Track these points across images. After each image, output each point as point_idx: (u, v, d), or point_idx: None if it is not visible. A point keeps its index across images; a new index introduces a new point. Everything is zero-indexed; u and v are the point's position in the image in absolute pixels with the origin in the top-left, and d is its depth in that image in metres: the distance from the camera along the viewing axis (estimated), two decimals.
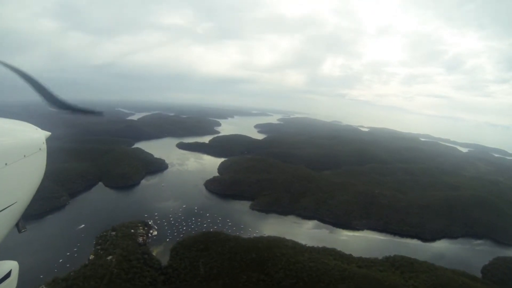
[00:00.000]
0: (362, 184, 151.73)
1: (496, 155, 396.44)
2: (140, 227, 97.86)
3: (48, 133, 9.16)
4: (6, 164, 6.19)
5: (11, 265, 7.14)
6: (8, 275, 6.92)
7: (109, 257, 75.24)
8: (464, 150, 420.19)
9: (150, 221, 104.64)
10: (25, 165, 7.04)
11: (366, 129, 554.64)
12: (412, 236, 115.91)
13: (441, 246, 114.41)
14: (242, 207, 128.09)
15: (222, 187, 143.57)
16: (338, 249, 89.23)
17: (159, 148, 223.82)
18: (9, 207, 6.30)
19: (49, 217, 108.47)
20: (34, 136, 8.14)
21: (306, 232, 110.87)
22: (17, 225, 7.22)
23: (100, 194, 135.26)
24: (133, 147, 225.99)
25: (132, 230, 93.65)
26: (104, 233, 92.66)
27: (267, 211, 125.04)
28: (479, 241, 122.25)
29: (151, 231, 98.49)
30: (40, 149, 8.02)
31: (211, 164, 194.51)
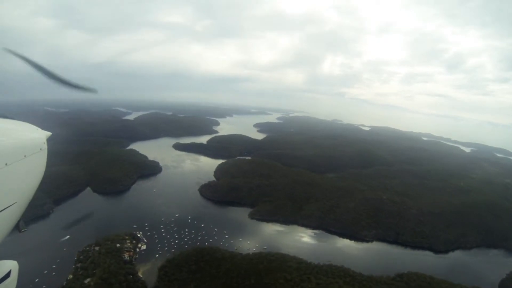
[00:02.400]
0: (369, 189, 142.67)
1: (499, 155, 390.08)
2: (128, 241, 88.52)
3: (49, 133, 9.76)
4: (6, 164, 6.09)
5: (11, 265, 7.24)
6: (8, 275, 6.94)
7: (87, 280, 66.00)
8: (467, 150, 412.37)
9: (139, 233, 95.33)
10: (25, 165, 6.97)
11: (367, 128, 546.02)
12: (424, 248, 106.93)
13: (456, 258, 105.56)
14: (240, 215, 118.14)
15: (219, 193, 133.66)
16: (347, 266, 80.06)
17: (154, 149, 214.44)
18: (9, 207, 6.20)
19: (30, 227, 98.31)
20: (35, 136, 8.45)
21: (311, 245, 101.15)
22: (17, 225, 7.35)
23: (87, 200, 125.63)
24: (127, 148, 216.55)
25: (118, 245, 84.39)
26: (87, 248, 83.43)
27: (267, 220, 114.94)
28: (494, 251, 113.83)
29: (139, 245, 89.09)
30: (40, 149, 8.30)
31: (208, 166, 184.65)
